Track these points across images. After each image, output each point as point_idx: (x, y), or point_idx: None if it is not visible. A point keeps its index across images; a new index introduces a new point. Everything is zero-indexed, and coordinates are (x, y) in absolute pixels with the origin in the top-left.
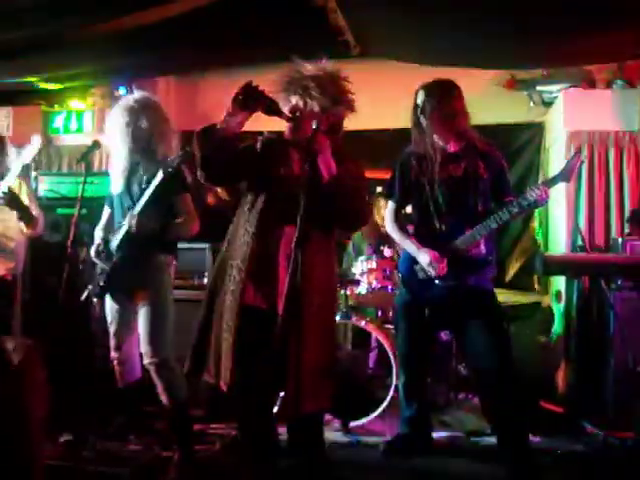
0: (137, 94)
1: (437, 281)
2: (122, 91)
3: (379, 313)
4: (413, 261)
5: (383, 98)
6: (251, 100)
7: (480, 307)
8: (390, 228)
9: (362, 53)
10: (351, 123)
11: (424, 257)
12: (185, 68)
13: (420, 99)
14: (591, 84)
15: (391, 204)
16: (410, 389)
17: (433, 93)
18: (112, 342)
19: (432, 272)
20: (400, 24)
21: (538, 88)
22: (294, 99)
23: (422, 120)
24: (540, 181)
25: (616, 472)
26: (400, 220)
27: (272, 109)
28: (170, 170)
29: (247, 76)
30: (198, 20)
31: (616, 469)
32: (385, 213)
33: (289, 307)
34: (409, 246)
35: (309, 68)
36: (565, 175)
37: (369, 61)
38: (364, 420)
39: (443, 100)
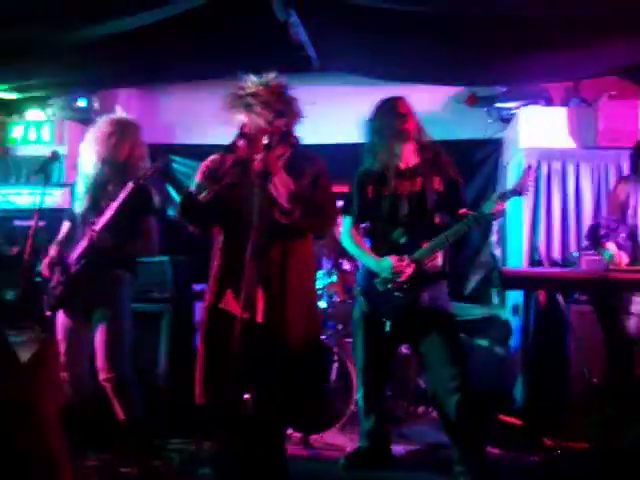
0: (121, 114)
1: (396, 293)
2: (82, 102)
3: (339, 327)
4: (372, 275)
5: (348, 113)
6: (215, 180)
7: (436, 322)
8: (347, 243)
9: (324, 68)
10: (315, 137)
11: (387, 263)
12: (145, 81)
13: (375, 116)
14: (548, 101)
15: (348, 220)
16: (369, 402)
17: (387, 111)
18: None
19: (396, 278)
20: (362, 41)
21: (497, 105)
22: (240, 116)
23: (377, 137)
24: (496, 195)
25: None
26: (357, 235)
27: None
28: (140, 181)
29: (210, 89)
30: (159, 33)
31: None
32: (342, 230)
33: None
34: (368, 259)
35: (250, 84)
36: (517, 189)
37: (334, 76)
38: (324, 434)
39: (397, 117)
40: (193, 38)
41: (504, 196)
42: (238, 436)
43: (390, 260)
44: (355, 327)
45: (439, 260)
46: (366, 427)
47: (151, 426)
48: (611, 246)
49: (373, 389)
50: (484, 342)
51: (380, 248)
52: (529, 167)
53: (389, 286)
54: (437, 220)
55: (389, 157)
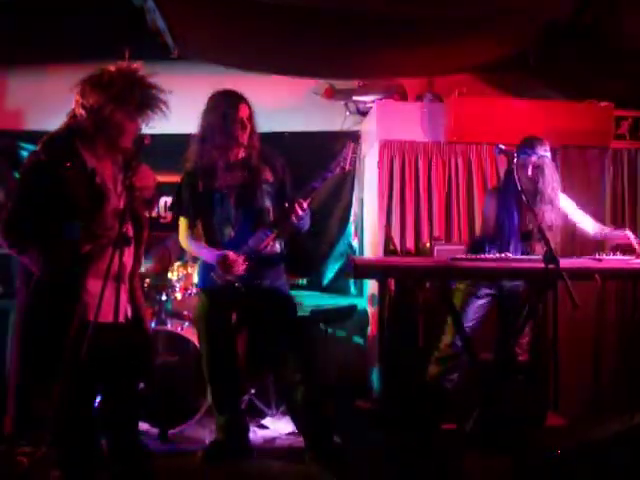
0: None
1: (237, 284)
2: None
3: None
4: (209, 269)
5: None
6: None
7: (276, 308)
8: (186, 243)
9: (182, 56)
10: (169, 126)
11: (223, 259)
12: None
13: (205, 109)
14: (403, 96)
15: (183, 220)
16: (219, 399)
17: (218, 104)
18: None
19: (232, 272)
20: (221, 28)
21: (354, 98)
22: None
23: (207, 130)
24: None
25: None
26: (193, 233)
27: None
28: None
29: (61, 74)
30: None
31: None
32: (179, 231)
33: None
34: (206, 254)
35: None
36: (339, 163)
37: (193, 65)
38: (182, 427)
39: (229, 111)
40: (48, 21)
41: (313, 188)
42: (88, 436)
43: (227, 255)
44: (199, 325)
45: (277, 246)
46: (220, 422)
47: None
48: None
49: (222, 385)
50: (342, 332)
51: (214, 243)
52: (349, 143)
53: (228, 278)
54: (268, 208)
55: (217, 150)
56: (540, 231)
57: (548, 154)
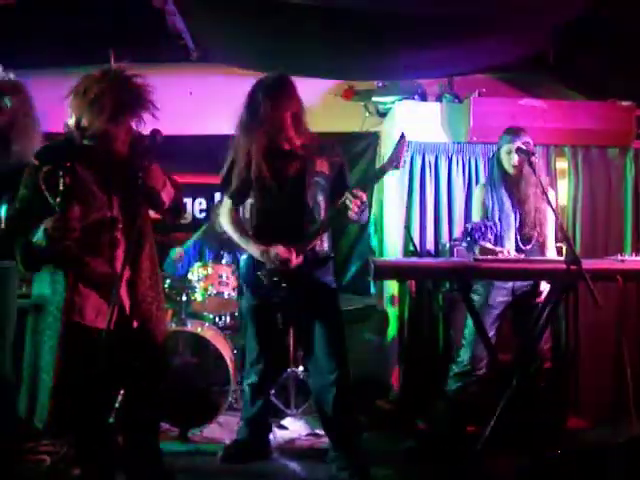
0: (11, 74)
1: (283, 284)
2: None
3: (216, 319)
4: (256, 268)
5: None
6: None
7: (323, 304)
8: (230, 229)
9: (202, 58)
10: (195, 128)
11: (273, 253)
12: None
13: (257, 95)
14: (422, 97)
15: (227, 201)
16: (258, 390)
17: (270, 88)
18: None
19: (283, 267)
20: (239, 30)
21: (374, 99)
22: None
23: (256, 118)
24: (380, 169)
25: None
26: (239, 222)
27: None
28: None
29: (80, 77)
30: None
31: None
32: (221, 213)
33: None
34: (252, 248)
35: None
36: (394, 161)
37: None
38: (202, 428)
39: (280, 96)
40: (66, 23)
41: (376, 176)
42: (105, 436)
43: (276, 250)
44: (245, 319)
45: (325, 244)
46: (249, 415)
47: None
48: (489, 245)
49: (264, 380)
50: (362, 332)
51: (263, 235)
52: (402, 137)
53: (275, 279)
54: (322, 204)
55: (271, 138)
56: (561, 230)
57: (531, 142)
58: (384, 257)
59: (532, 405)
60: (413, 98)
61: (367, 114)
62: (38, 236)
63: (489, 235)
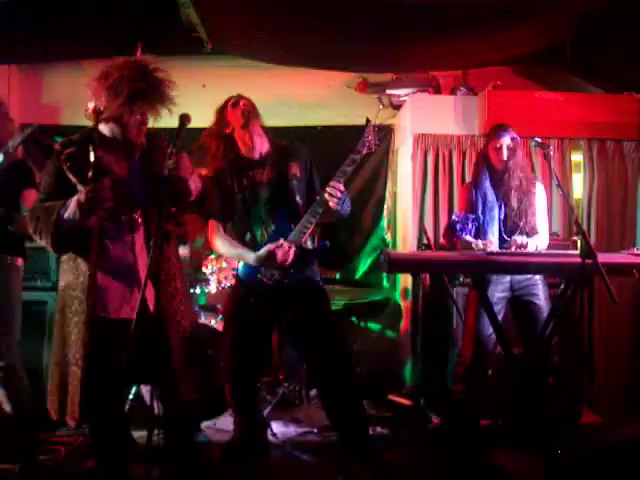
0: None
1: (286, 281)
2: None
3: None
4: (256, 271)
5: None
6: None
7: (313, 302)
8: (220, 245)
9: (216, 51)
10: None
11: (264, 253)
12: (28, 58)
13: (224, 108)
14: (437, 90)
15: (214, 222)
16: (239, 396)
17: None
18: None
19: (281, 263)
20: (254, 23)
21: (388, 92)
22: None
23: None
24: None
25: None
26: (226, 237)
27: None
28: (10, 151)
29: (95, 70)
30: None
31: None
32: (210, 233)
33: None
34: (246, 254)
35: (113, 68)
36: (364, 147)
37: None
38: (215, 420)
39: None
40: (82, 17)
41: (344, 171)
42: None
43: (267, 248)
44: (228, 316)
45: (308, 242)
46: (236, 420)
47: (36, 418)
48: (468, 238)
49: (244, 384)
50: (375, 325)
51: (248, 242)
52: (367, 121)
53: (277, 277)
54: (299, 202)
55: (242, 149)
56: (577, 224)
57: (518, 139)
58: (398, 250)
59: (546, 400)
60: (427, 91)
61: (381, 106)
62: (69, 211)
63: (469, 227)
